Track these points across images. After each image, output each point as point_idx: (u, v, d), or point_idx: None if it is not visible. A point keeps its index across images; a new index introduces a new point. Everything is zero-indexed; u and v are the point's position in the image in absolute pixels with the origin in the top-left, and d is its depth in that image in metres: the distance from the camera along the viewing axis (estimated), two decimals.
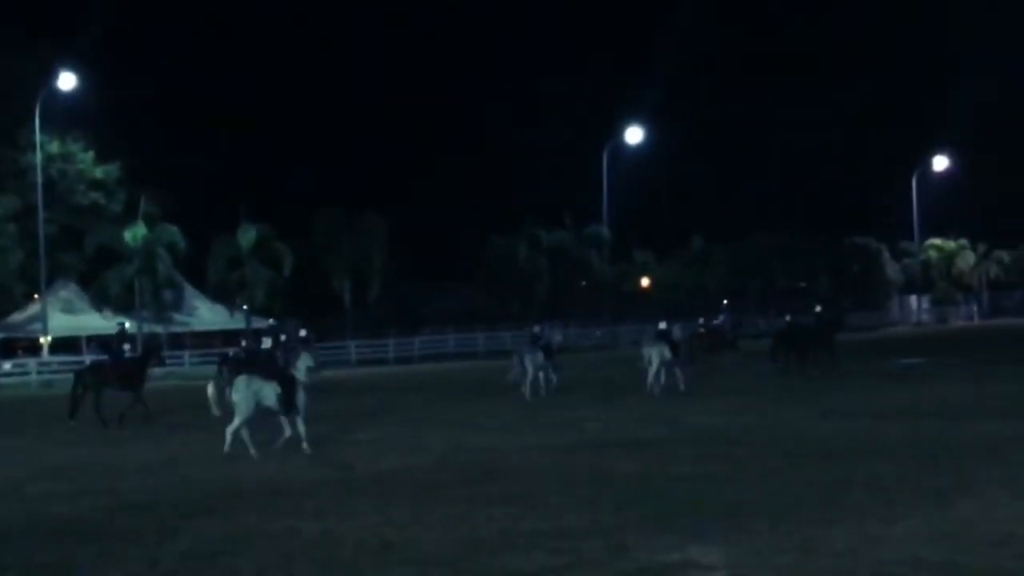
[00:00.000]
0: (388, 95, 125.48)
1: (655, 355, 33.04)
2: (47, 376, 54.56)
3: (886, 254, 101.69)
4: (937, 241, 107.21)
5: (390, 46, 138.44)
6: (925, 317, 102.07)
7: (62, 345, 63.00)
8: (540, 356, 34.10)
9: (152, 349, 36.31)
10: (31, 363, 56.96)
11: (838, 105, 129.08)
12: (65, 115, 63.51)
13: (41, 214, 59.17)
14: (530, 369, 33.61)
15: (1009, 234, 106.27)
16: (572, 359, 38.01)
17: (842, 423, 23.57)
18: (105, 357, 34.20)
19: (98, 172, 67.06)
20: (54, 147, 64.82)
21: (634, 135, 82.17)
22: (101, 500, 17.18)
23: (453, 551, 12.68)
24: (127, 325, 37.90)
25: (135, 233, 62.38)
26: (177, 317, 66.13)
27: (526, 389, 33.24)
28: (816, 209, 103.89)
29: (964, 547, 11.98)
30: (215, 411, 22.72)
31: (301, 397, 21.92)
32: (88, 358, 56.90)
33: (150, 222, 63.41)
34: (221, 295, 67.17)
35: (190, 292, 68.21)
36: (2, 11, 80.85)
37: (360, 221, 71.22)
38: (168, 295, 64.69)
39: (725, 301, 51.73)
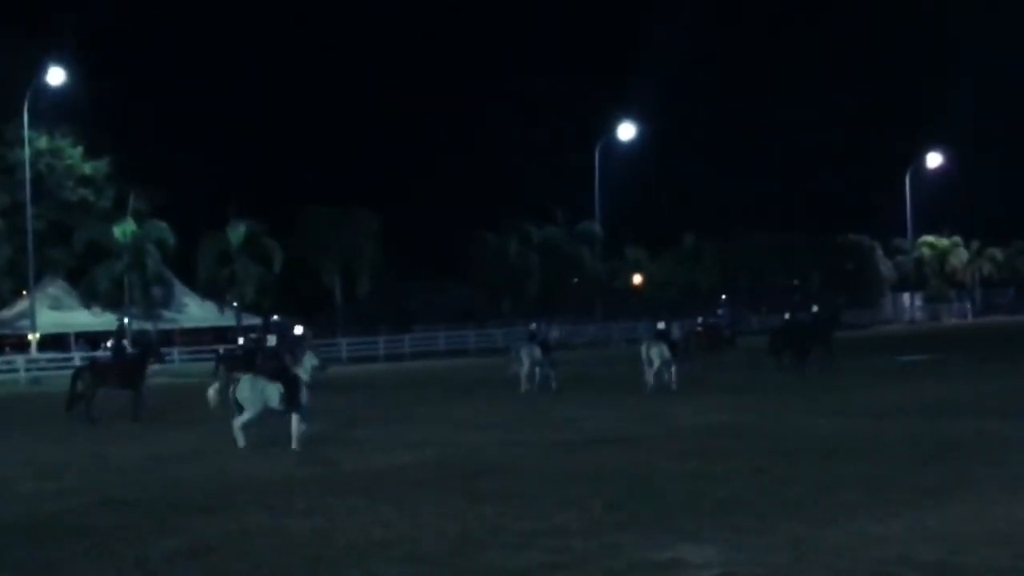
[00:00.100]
0: (380, 92, 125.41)
1: (655, 355, 33.01)
2: (35, 373, 54.37)
3: (879, 251, 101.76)
4: (930, 238, 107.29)
5: (383, 43, 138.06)
6: (918, 315, 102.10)
7: (50, 342, 62.73)
8: (537, 351, 34.43)
9: (150, 346, 36.03)
10: (19, 360, 56.64)
11: (832, 102, 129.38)
12: (54, 110, 63.26)
13: (29, 210, 58.81)
14: (527, 363, 34.00)
15: (1002, 231, 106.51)
16: (564, 356, 37.81)
17: (836, 421, 23.39)
18: (96, 353, 34.13)
19: (87, 168, 66.69)
20: (42, 142, 64.46)
21: (626, 131, 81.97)
22: (90, 498, 17.00)
23: (443, 549, 12.59)
24: (126, 322, 37.66)
25: (124, 229, 62.16)
26: (166, 314, 65.86)
27: (522, 383, 33.56)
28: (809, 206, 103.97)
29: (959, 546, 11.87)
30: (211, 405, 22.41)
31: (304, 396, 21.86)
32: (77, 355, 56.77)
33: (139, 218, 63.20)
34: (211, 292, 66.94)
35: (179, 289, 68.02)
36: None
37: (351, 218, 71.04)
38: (157, 292, 64.49)
39: (724, 297, 51.71)
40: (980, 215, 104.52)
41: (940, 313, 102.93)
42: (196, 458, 21.17)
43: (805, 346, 38.84)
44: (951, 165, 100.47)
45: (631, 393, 32.02)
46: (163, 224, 63.44)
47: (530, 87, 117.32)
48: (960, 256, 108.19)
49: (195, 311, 68.48)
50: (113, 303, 62.48)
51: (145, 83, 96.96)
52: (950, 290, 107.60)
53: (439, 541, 12.98)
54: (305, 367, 22.16)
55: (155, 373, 34.07)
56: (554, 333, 37.04)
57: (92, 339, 64.26)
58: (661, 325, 34.83)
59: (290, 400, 21.64)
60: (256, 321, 63.71)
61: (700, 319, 43.72)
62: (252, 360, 39.15)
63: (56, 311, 63.46)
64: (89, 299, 63.22)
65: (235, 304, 65.84)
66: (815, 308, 43.49)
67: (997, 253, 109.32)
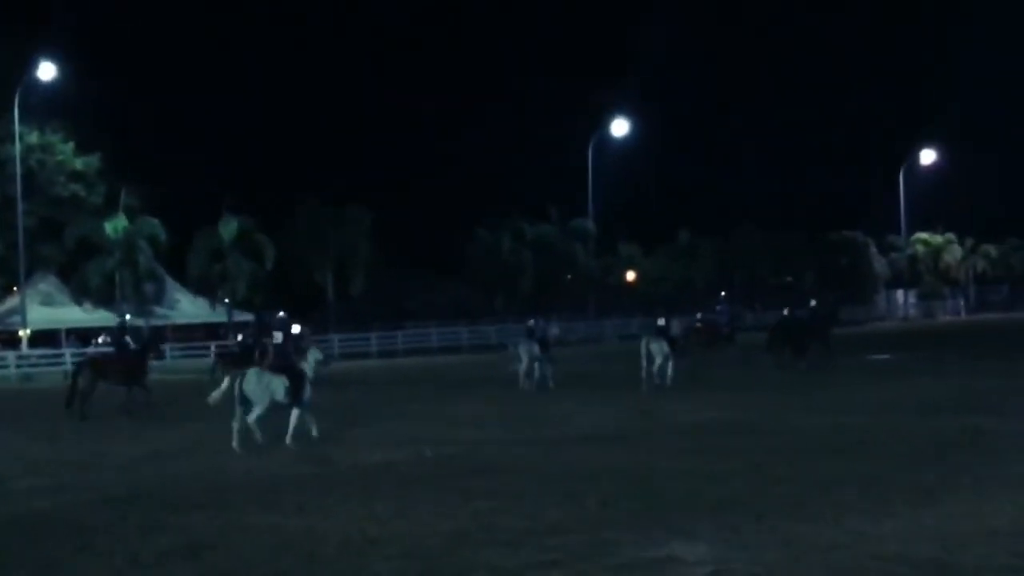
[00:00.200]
0: (374, 89, 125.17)
1: (656, 350, 33.10)
2: (26, 369, 54.22)
3: (873, 248, 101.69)
4: (924, 235, 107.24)
5: (377, 40, 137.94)
6: (912, 312, 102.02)
7: (41, 338, 62.43)
8: (536, 348, 34.50)
9: (151, 341, 35.99)
10: (10, 356, 56.41)
11: (826, 100, 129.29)
12: (45, 105, 63.03)
13: (20, 206, 58.49)
14: (525, 360, 34.14)
15: (996, 228, 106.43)
16: (560, 353, 37.70)
17: (832, 419, 23.29)
18: (88, 349, 33.98)
19: (78, 163, 66.36)
20: (33, 138, 64.16)
21: (620, 127, 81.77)
22: (83, 495, 16.95)
23: (437, 546, 12.55)
24: (128, 318, 37.69)
25: (115, 225, 61.95)
26: (158, 310, 65.55)
27: (520, 380, 33.74)
28: (803, 203, 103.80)
29: (955, 544, 11.84)
30: (215, 398, 22.24)
31: (307, 392, 21.89)
32: (68, 351, 56.56)
33: (131, 214, 63.01)
34: (203, 288, 66.71)
35: (171, 285, 67.73)
36: None
37: (343, 213, 70.83)
38: (149, 288, 64.30)
39: (723, 294, 51.73)
40: (974, 212, 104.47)
41: (934, 310, 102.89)
42: (190, 455, 21.11)
43: (804, 343, 38.83)
44: (945, 162, 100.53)
45: (626, 390, 31.92)
46: (155, 220, 63.25)
47: (524, 84, 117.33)
48: (954, 253, 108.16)
49: (187, 307, 68.19)
50: (104, 299, 62.31)
51: (137, 78, 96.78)
52: (944, 287, 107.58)
53: (434, 538, 12.92)
54: (309, 362, 22.25)
55: (149, 369, 34.01)
56: (554, 330, 37.11)
57: (83, 335, 64.06)
58: (661, 321, 34.90)
59: (295, 394, 21.64)
60: (248, 317, 63.71)
61: (699, 315, 43.62)
62: (251, 357, 39.21)
63: (47, 307, 63.14)
64: (80, 295, 62.99)
65: (227, 300, 65.60)
66: (813, 303, 43.41)
67: (991, 250, 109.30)
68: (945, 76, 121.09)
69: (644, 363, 33.00)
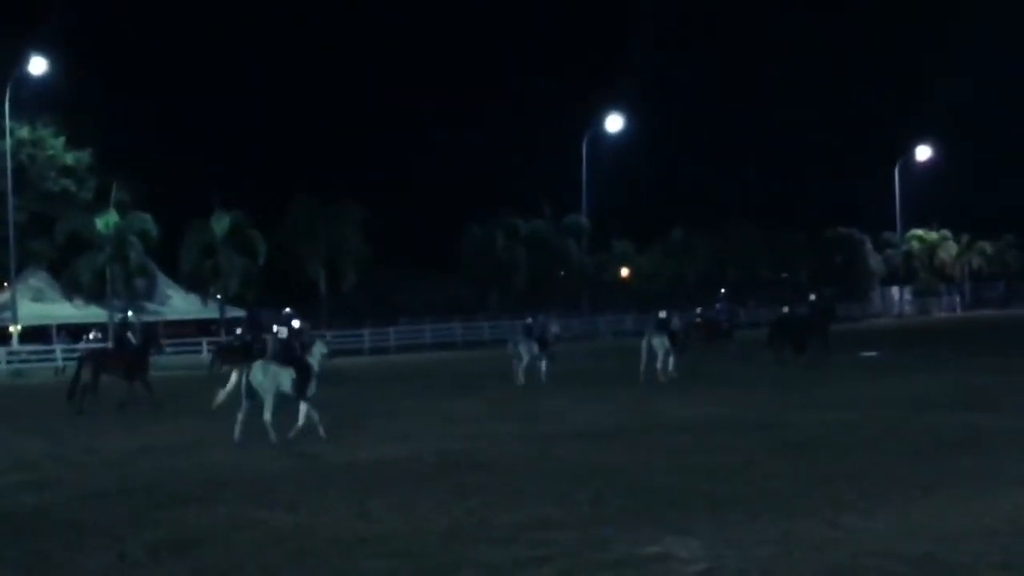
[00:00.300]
0: (367, 85, 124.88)
1: (657, 346, 33.45)
2: (17, 365, 54.03)
3: (868, 245, 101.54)
4: (920, 232, 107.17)
5: (370, 36, 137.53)
6: (907, 308, 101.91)
7: (32, 334, 62.13)
8: (535, 346, 34.80)
9: (152, 337, 36.10)
10: (1, 352, 56.10)
11: (821, 96, 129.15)
12: (35, 100, 62.60)
13: (11, 201, 58.18)
14: (526, 358, 34.42)
15: (992, 225, 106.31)
16: (555, 349, 37.78)
17: (823, 415, 23.27)
18: (79, 345, 33.85)
19: (69, 158, 65.95)
20: (24, 132, 63.76)
21: (614, 123, 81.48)
22: (73, 490, 16.96)
23: (428, 543, 12.56)
24: (130, 315, 37.77)
25: (106, 221, 61.57)
26: (150, 306, 65.18)
27: (518, 377, 33.94)
28: (798, 200, 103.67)
29: (943, 540, 11.85)
30: (219, 399, 22.11)
31: (313, 386, 21.99)
32: (59, 347, 56.34)
33: (122, 209, 62.61)
34: (194, 284, 66.36)
35: (163, 280, 67.41)
36: None
37: (336, 209, 70.54)
38: (140, 284, 63.91)
39: (723, 291, 51.73)
40: (970, 209, 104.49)
41: (929, 307, 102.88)
42: (180, 451, 21.10)
43: (804, 339, 39.00)
44: (940, 158, 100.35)
45: (621, 386, 32.07)
46: (146, 215, 62.84)
47: (518, 80, 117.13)
48: (949, 250, 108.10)
49: (179, 303, 67.92)
50: (95, 295, 62.01)
51: (129, 73, 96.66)
52: (939, 284, 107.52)
53: (425, 535, 12.93)
54: (315, 355, 22.36)
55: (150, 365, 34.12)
56: (554, 327, 37.21)
57: (74, 331, 63.81)
58: (662, 314, 35.46)
59: (301, 387, 21.73)
60: (240, 313, 63.51)
61: (699, 311, 43.65)
62: (249, 351, 39.17)
63: (38, 303, 62.84)
64: (71, 291, 62.67)
65: (219, 296, 65.31)
66: (813, 298, 43.56)
67: (987, 247, 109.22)
68: (940, 73, 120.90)
69: (644, 358, 33.36)
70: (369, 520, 13.88)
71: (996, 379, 30.34)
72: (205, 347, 57.94)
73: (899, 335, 61.41)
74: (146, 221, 62.62)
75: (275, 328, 23.81)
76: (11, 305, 59.48)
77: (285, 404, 21.77)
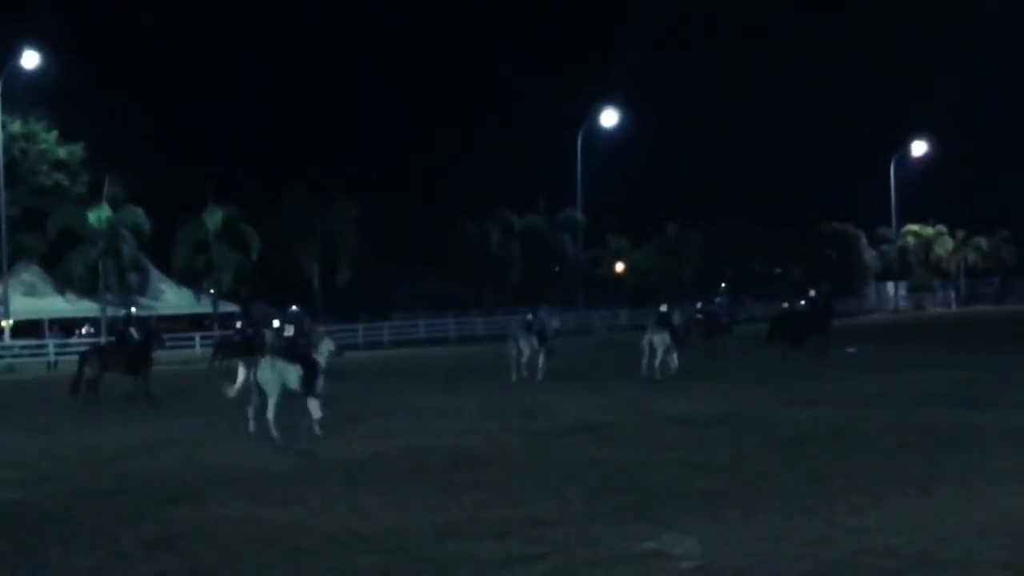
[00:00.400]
0: (361, 80, 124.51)
1: (659, 343, 33.48)
2: (9, 360, 53.81)
3: (863, 240, 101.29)
4: (915, 227, 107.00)
5: (364, 31, 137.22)
6: (902, 304, 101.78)
7: (24, 328, 61.83)
8: (535, 340, 34.78)
9: (154, 333, 36.05)
10: None
11: (817, 90, 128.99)
12: (28, 94, 62.27)
13: (3, 195, 57.85)
14: (526, 352, 34.42)
15: (987, 220, 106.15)
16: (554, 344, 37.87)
17: (818, 411, 23.31)
18: (71, 339, 33.85)
19: (61, 152, 65.50)
20: (16, 126, 63.29)
21: (609, 118, 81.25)
22: (66, 486, 16.96)
23: (423, 539, 12.58)
24: (133, 311, 37.77)
25: (99, 215, 61.28)
26: (142, 301, 64.77)
27: (514, 372, 33.91)
28: (793, 195, 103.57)
29: (938, 537, 11.92)
30: (231, 392, 22.10)
31: (320, 382, 22.04)
32: (51, 341, 56.12)
33: (114, 203, 62.27)
34: (187, 278, 66.04)
35: (155, 275, 67.03)
36: None
37: (330, 204, 70.30)
38: (133, 278, 63.60)
39: (723, 286, 51.82)
40: (965, 204, 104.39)
41: (924, 302, 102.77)
42: (174, 446, 21.13)
43: (804, 334, 39.19)
44: (936, 154, 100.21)
45: (615, 382, 32.22)
46: (139, 210, 62.50)
47: (512, 75, 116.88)
48: (945, 245, 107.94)
49: (171, 298, 67.51)
50: (88, 290, 61.75)
51: (121, 67, 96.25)
52: (935, 279, 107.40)
53: (419, 531, 12.94)
54: (322, 352, 22.44)
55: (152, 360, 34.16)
56: (554, 321, 37.26)
57: (66, 326, 63.50)
58: (663, 308, 35.67)
59: (308, 384, 21.78)
60: (233, 308, 63.28)
61: (699, 306, 43.96)
62: (250, 346, 39.09)
63: (30, 297, 62.42)
64: (63, 285, 62.39)
65: (212, 291, 65.08)
66: (813, 293, 43.74)
67: (982, 242, 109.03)
68: (936, 69, 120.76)
69: (647, 354, 33.49)
70: (363, 516, 13.87)
71: (991, 375, 30.40)
72: (198, 342, 57.80)
73: (894, 331, 61.39)
74: (139, 215, 62.32)
75: (275, 323, 23.89)
76: (3, 299, 59.23)
77: (289, 401, 21.78)
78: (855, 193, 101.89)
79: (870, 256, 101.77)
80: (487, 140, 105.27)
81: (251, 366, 22.08)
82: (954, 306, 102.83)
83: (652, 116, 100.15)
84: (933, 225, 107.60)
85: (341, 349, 23.84)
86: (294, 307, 25.20)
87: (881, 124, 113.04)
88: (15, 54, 58.23)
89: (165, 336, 45.22)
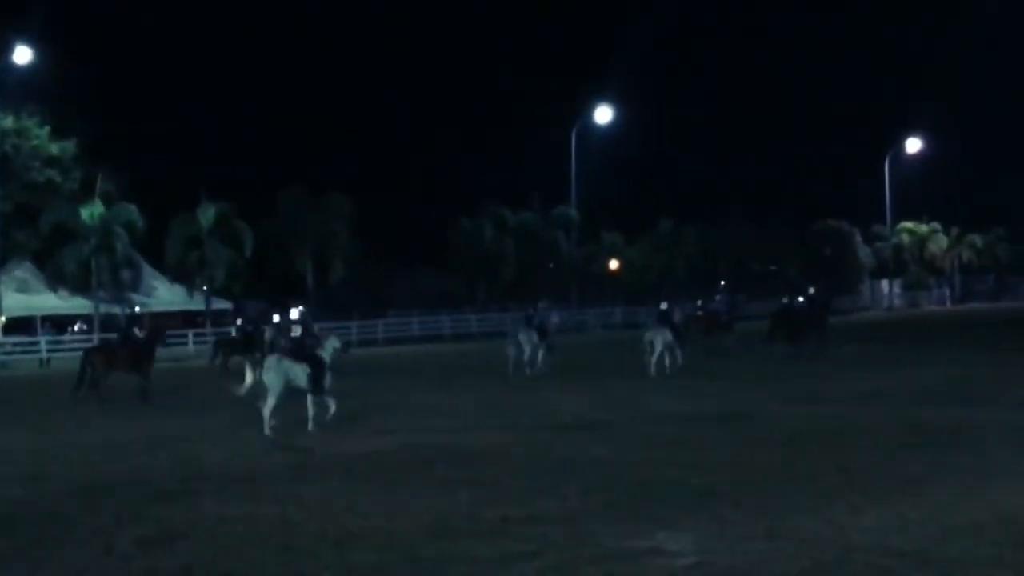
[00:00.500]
0: (355, 77, 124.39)
1: (659, 341, 33.65)
2: (1, 358, 53.60)
3: (858, 238, 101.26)
4: (909, 225, 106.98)
5: (358, 28, 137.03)
6: (897, 301, 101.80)
7: (16, 325, 61.71)
8: (535, 336, 35.03)
9: (157, 331, 36.03)
10: None
11: (812, 88, 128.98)
12: (20, 90, 62.07)
13: None
14: (527, 349, 34.71)
15: (982, 218, 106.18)
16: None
17: (815, 409, 23.27)
18: (64, 336, 33.77)
19: (54, 148, 65.21)
20: (8, 122, 63.09)
21: (603, 115, 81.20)
22: (59, 484, 16.92)
23: (417, 537, 12.51)
24: (137, 309, 37.66)
25: (92, 211, 61.11)
26: (135, 297, 64.63)
27: (512, 367, 34.14)
28: (788, 192, 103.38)
29: (934, 534, 11.90)
30: (241, 391, 22.08)
31: (328, 379, 22.27)
32: (43, 338, 55.99)
33: (107, 200, 62.14)
34: (180, 275, 65.88)
35: (148, 272, 66.86)
36: None
37: (324, 201, 70.19)
38: (126, 275, 63.45)
39: (723, 283, 51.85)
40: (960, 201, 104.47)
41: (919, 300, 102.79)
42: (168, 444, 21.09)
43: (803, 331, 39.33)
44: (930, 151, 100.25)
45: (612, 379, 32.27)
46: (131, 206, 62.39)
47: (506, 71, 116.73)
48: (939, 243, 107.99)
49: (164, 295, 67.39)
50: (80, 286, 61.57)
51: (114, 63, 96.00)
52: (929, 277, 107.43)
53: (413, 529, 12.88)
54: (327, 349, 22.60)
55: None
56: (555, 318, 37.63)
57: (59, 322, 63.37)
58: (664, 306, 35.99)
59: (316, 382, 21.97)
60: (227, 305, 63.14)
61: (699, 303, 44.12)
62: (250, 343, 39.04)
63: (22, 294, 62.33)
64: (56, 282, 62.23)
65: (205, 288, 64.92)
66: (812, 290, 43.73)
67: (977, 240, 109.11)
68: (930, 66, 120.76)
69: (648, 351, 33.65)
70: (357, 514, 13.80)
71: (986, 373, 30.40)
72: (191, 339, 57.69)
73: (888, 328, 61.42)
74: (132, 212, 62.17)
75: (275, 318, 23.90)
76: None
77: (293, 398, 21.88)
78: (850, 191, 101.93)
79: (865, 253, 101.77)
80: (481, 137, 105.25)
81: (257, 365, 22.08)
82: (949, 304, 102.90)
83: (646, 113, 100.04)
84: (928, 222, 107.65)
85: (347, 346, 24.04)
86: (300, 307, 25.27)
87: (876, 122, 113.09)
88: (7, 49, 58.18)
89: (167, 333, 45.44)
